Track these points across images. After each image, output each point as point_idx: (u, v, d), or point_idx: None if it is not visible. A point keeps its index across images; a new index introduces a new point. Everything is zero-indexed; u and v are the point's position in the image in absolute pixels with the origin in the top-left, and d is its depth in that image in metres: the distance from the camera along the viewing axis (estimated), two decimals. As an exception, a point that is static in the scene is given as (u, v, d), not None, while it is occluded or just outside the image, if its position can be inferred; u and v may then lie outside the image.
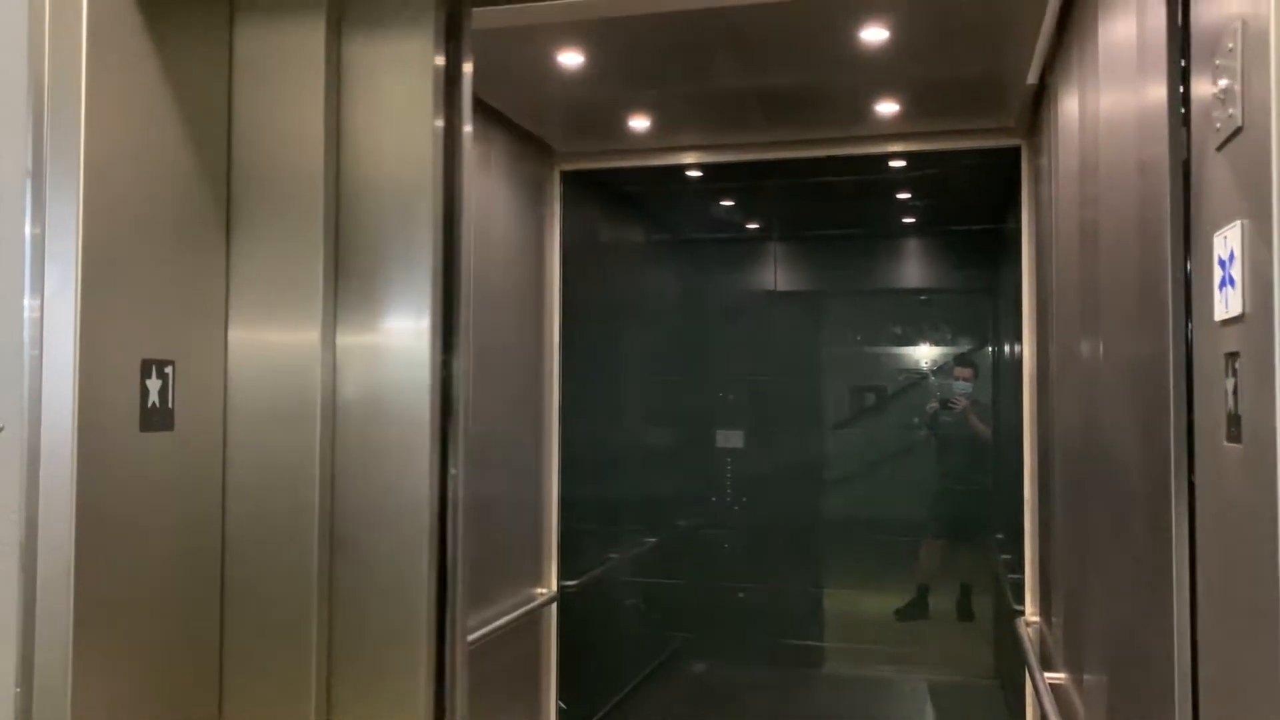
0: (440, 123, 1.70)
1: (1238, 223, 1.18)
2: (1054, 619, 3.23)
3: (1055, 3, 2.81)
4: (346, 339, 1.71)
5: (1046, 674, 3.01)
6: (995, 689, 5.36)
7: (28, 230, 1.39)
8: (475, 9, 1.92)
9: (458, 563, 1.82)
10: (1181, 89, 1.47)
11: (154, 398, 1.47)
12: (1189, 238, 1.47)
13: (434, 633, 1.78)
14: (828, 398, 6.39)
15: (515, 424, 4.22)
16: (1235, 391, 1.20)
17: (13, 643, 1.37)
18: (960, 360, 6.29)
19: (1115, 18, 2.11)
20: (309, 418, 1.68)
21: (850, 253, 6.28)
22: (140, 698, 1.53)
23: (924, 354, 6.47)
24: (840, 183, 5.10)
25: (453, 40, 1.83)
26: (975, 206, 5.47)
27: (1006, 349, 5.68)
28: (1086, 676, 2.54)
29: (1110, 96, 2.17)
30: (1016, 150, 4.07)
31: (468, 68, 1.88)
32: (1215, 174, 1.27)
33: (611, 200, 5.28)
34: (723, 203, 5.84)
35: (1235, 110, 1.17)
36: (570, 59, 3.23)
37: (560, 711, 4.58)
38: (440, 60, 1.76)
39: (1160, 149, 1.57)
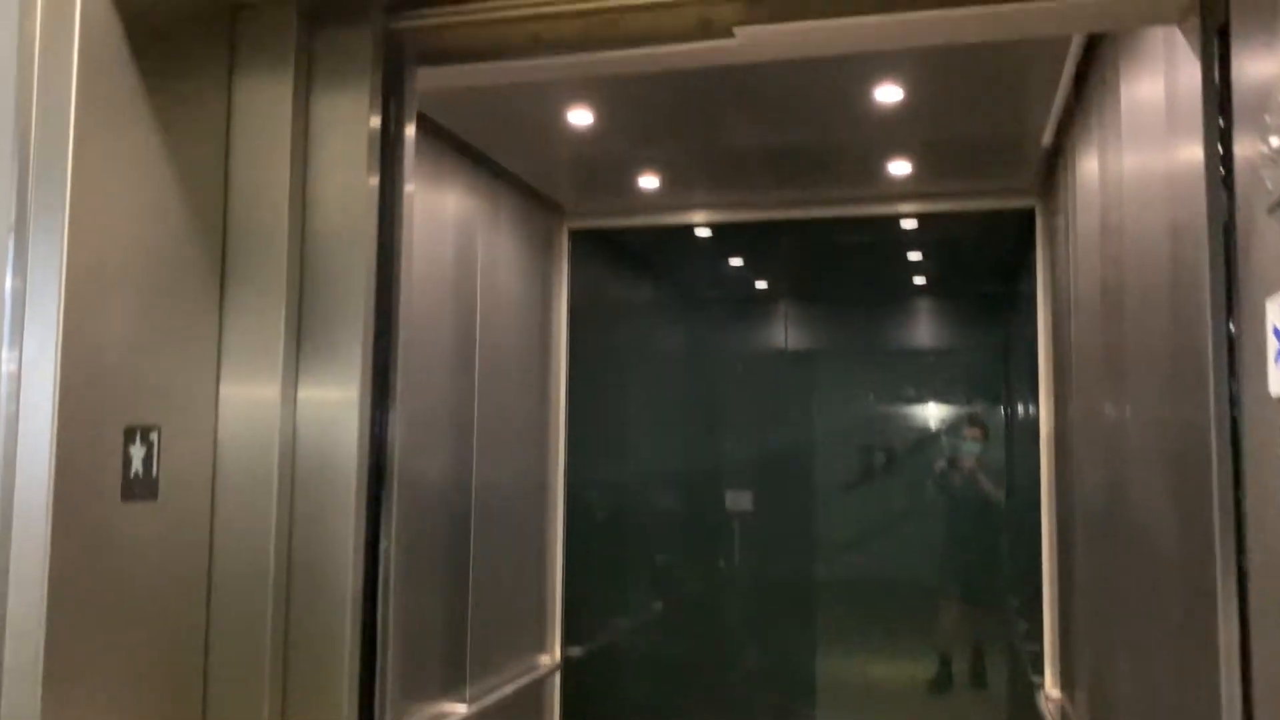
0: (374, 181, 1.64)
1: (1295, 289, 1.10)
2: (1077, 695, 3.09)
3: (1072, 62, 2.77)
4: (303, 397, 1.63)
5: (1073, 755, 2.87)
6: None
7: (9, 283, 1.32)
8: (421, 68, 1.86)
9: (387, 646, 1.69)
10: (1221, 149, 1.41)
11: (137, 466, 1.40)
12: (1232, 303, 1.39)
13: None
14: (839, 458, 6.28)
15: (519, 484, 4.12)
16: (1295, 471, 1.12)
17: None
18: (970, 420, 6.19)
19: (1140, 77, 2.06)
20: (268, 481, 1.59)
21: (861, 312, 6.22)
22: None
23: (935, 414, 6.38)
24: (851, 242, 5.06)
25: (393, 99, 1.78)
26: (987, 267, 5.42)
27: (1020, 409, 5.59)
28: (1118, 761, 2.41)
29: (1135, 157, 2.12)
30: (1030, 211, 4.02)
31: (409, 129, 1.82)
32: (1267, 237, 1.20)
33: (620, 258, 5.24)
34: (732, 261, 5.80)
35: (1289, 170, 1.11)
36: (579, 117, 3.19)
37: (563, 786, 4.41)
38: (375, 120, 1.70)
39: (1197, 211, 1.50)
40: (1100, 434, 2.55)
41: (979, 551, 5.98)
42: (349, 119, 1.67)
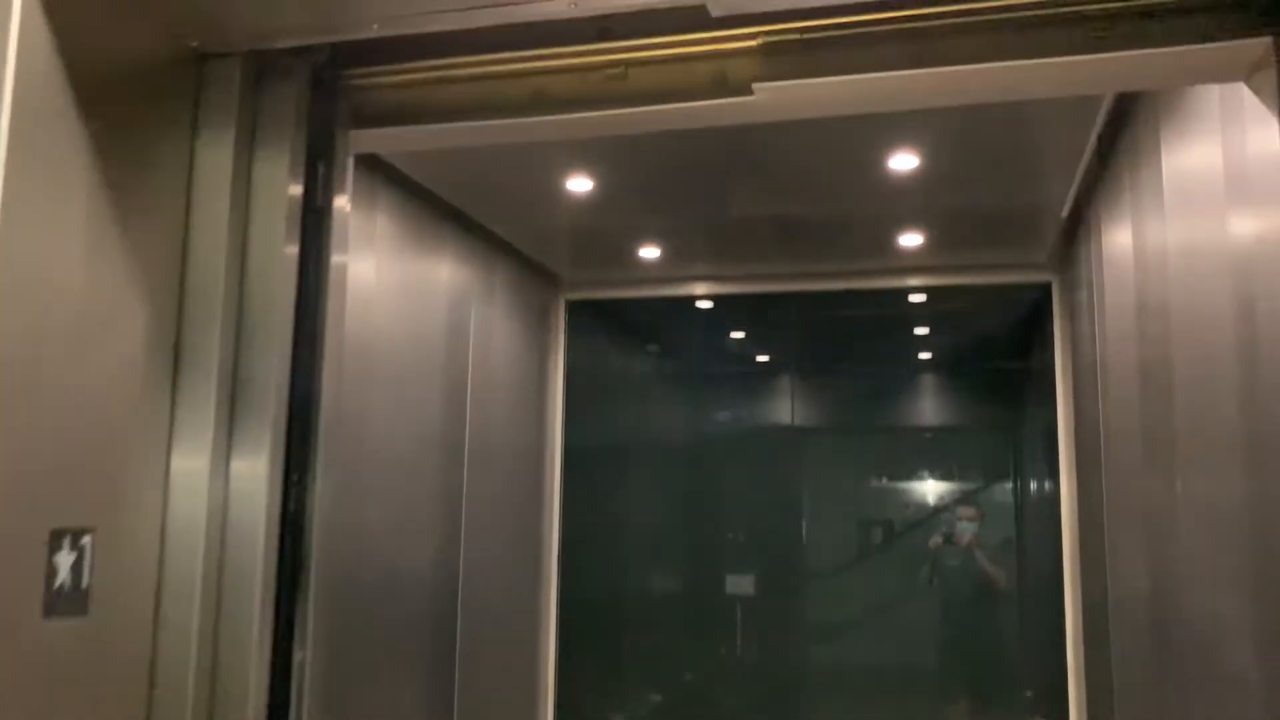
0: (293, 250, 1.47)
1: None
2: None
3: (1097, 130, 2.64)
4: (230, 486, 1.41)
5: None
6: None
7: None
8: (357, 131, 1.67)
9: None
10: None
11: (64, 576, 1.19)
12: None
13: None
14: (844, 539, 6.04)
15: (510, 572, 3.89)
16: None
17: None
18: (964, 500, 5.97)
19: (1187, 145, 1.91)
20: (192, 581, 1.36)
21: (867, 388, 6.04)
22: None
23: (946, 493, 6.15)
24: (857, 317, 4.90)
25: (322, 163, 1.59)
26: (997, 342, 5.26)
27: (1033, 488, 5.38)
28: None
29: (1183, 230, 1.96)
30: (1045, 286, 3.87)
31: (340, 199, 1.63)
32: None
33: (619, 330, 5.07)
34: (734, 335, 5.63)
35: None
36: (578, 184, 3.05)
37: None
38: (296, 188, 1.52)
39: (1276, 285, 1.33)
40: (1142, 519, 2.35)
41: (989, 639, 5.71)
42: (270, 183, 1.50)
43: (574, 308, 4.32)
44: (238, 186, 1.50)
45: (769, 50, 1.49)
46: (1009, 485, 6.11)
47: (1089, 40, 1.47)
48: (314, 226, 1.57)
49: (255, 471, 1.38)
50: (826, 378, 6.01)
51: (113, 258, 1.39)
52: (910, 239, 3.54)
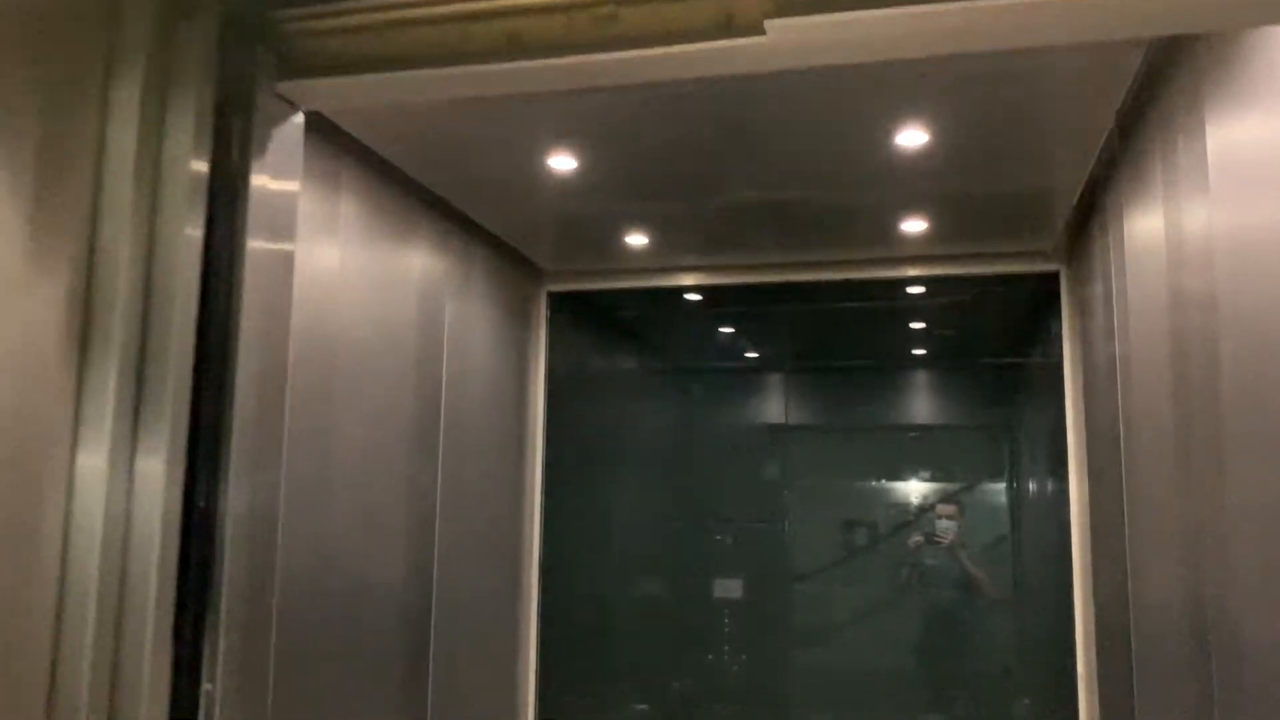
0: (195, 230, 1.24)
1: None
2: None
3: (1120, 105, 2.45)
4: (134, 486, 1.19)
5: None
6: None
7: None
8: (288, 84, 1.41)
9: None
10: None
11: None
12: None
13: None
14: (837, 541, 5.85)
15: (488, 574, 3.67)
16: None
17: None
18: (943, 499, 5.79)
19: (1236, 115, 1.72)
20: (89, 591, 1.14)
21: (860, 385, 5.85)
22: None
23: (937, 493, 5.96)
24: (852, 311, 4.70)
25: (239, 123, 1.34)
26: (997, 338, 5.08)
27: (1031, 488, 5.20)
28: None
29: (1232, 212, 1.76)
30: (1053, 276, 3.67)
31: (258, 176, 1.38)
32: None
33: (604, 324, 4.86)
34: (723, 330, 5.43)
35: None
36: (561, 163, 2.83)
37: None
38: (200, 158, 1.28)
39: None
40: (1176, 522, 2.16)
41: (982, 645, 5.53)
42: (174, 150, 1.28)
43: (556, 300, 4.11)
44: (144, 153, 1.27)
45: (782, -19, 1.28)
46: (1002, 485, 5.94)
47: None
48: (228, 202, 1.34)
49: (153, 471, 1.17)
50: (818, 375, 5.81)
51: (13, 230, 1.17)
52: (913, 225, 3.34)
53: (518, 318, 3.95)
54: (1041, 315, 4.10)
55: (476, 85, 1.38)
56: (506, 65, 1.29)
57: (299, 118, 1.55)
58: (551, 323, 4.11)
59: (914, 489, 6.12)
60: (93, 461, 1.13)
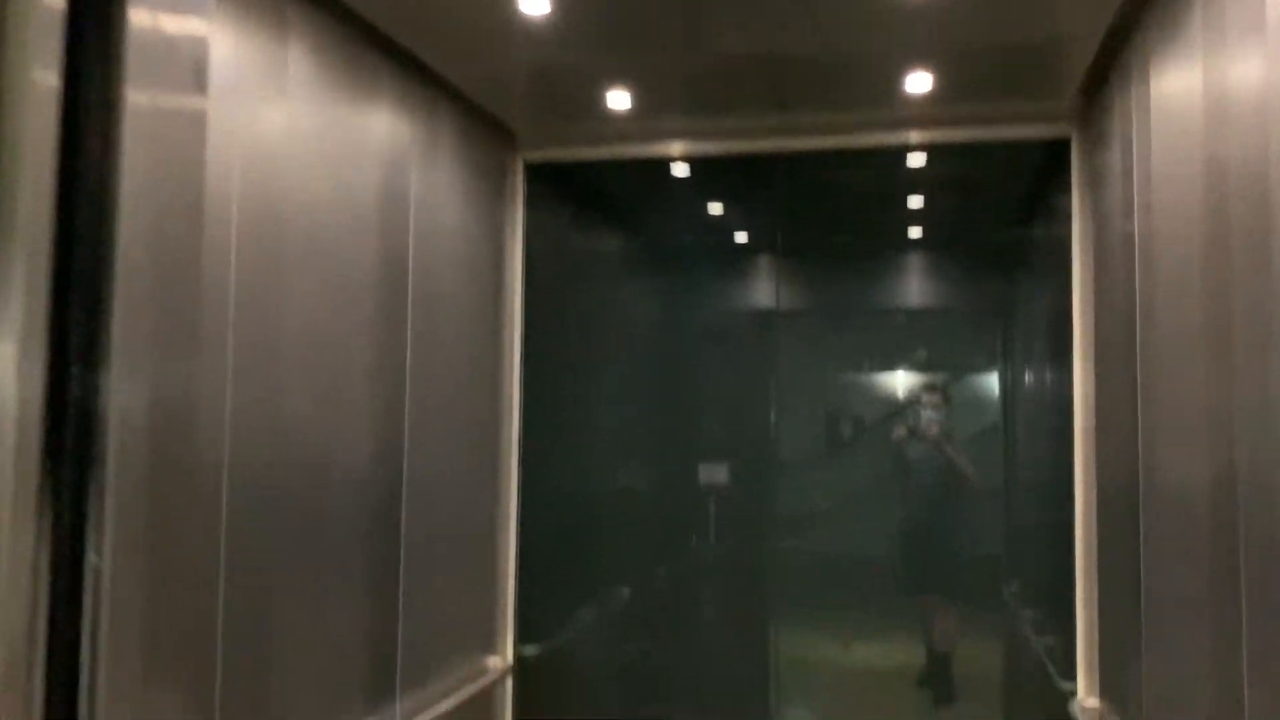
0: (47, 77, 1.00)
1: None
2: (1141, 713, 2.55)
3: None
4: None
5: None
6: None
7: None
8: None
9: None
10: None
11: None
12: None
13: None
14: (825, 427, 5.74)
15: (463, 464, 3.52)
16: None
17: None
18: (927, 387, 5.64)
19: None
20: None
21: (858, 267, 5.64)
22: None
23: (928, 381, 5.82)
24: (847, 186, 4.47)
25: None
26: (998, 214, 4.85)
27: (1028, 374, 5.06)
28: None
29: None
30: (1058, 145, 3.43)
31: (139, 12, 1.11)
32: None
33: (585, 201, 4.61)
34: (712, 208, 5.19)
35: None
36: (533, 6, 2.56)
37: (516, 805, 3.85)
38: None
39: None
40: (1200, 406, 1.99)
41: (967, 533, 5.47)
42: None
43: (533, 172, 3.85)
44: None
45: None
46: (996, 372, 5.80)
47: None
48: (99, 44, 1.09)
49: (5, 354, 0.97)
50: (811, 258, 5.60)
51: None
52: (918, 81, 3.08)
53: (492, 189, 3.70)
54: (1048, 190, 3.87)
55: None
56: None
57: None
58: (529, 199, 3.86)
59: (905, 377, 5.98)
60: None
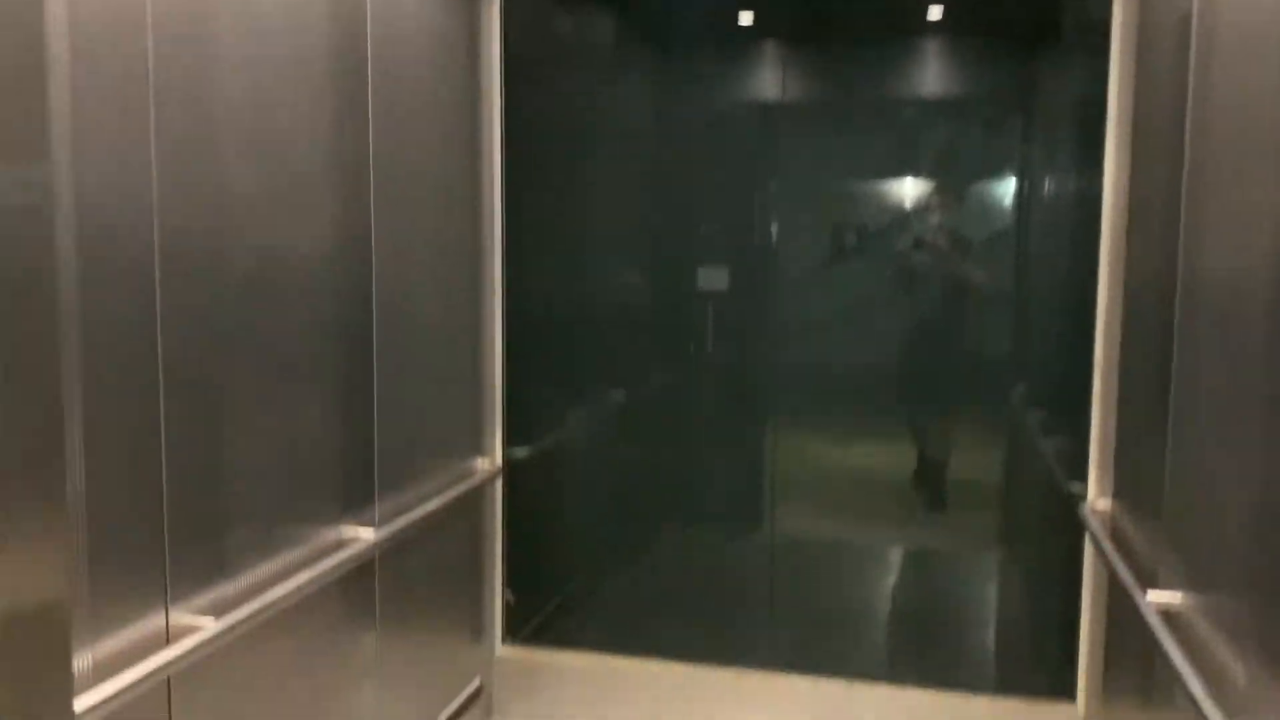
0: None
1: None
2: (1160, 514, 2.41)
3: None
4: None
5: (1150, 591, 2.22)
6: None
7: None
8: None
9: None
10: None
11: None
12: None
13: None
14: (830, 236, 5.45)
15: (440, 263, 3.28)
16: None
17: None
18: (940, 188, 5.31)
19: None
20: None
21: (871, 57, 5.20)
22: None
23: (951, 180, 5.48)
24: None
25: None
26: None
27: (1049, 174, 4.75)
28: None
29: None
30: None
31: None
32: None
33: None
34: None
35: None
36: None
37: (508, 604, 3.84)
38: None
39: None
40: (1263, 202, 1.74)
41: (972, 338, 5.29)
42: None
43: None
44: None
45: None
46: (1014, 169, 5.46)
47: None
48: None
49: None
50: (821, 45, 5.15)
51: None
52: None
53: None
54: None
55: None
56: None
57: None
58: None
59: (915, 177, 5.64)
60: None
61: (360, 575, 2.78)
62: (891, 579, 5.13)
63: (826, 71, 5.33)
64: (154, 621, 1.96)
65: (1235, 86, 1.97)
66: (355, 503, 2.75)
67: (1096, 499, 3.06)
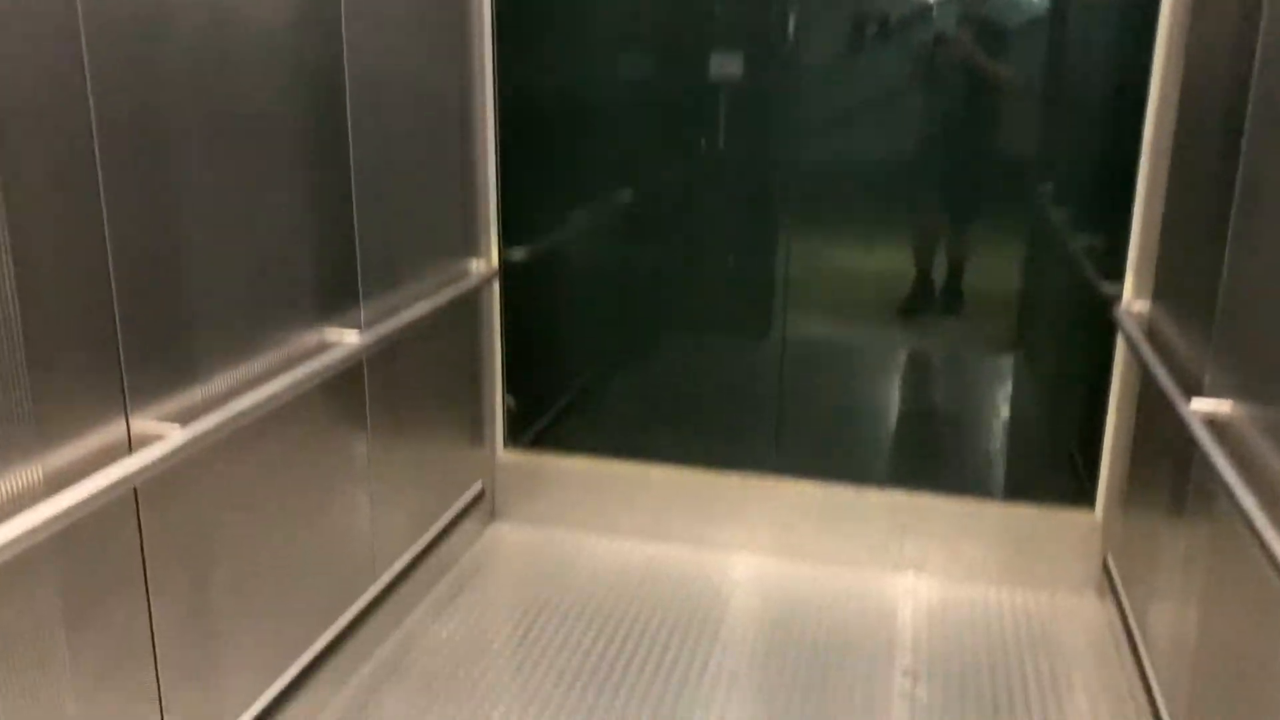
0: None
1: None
2: (1212, 318, 2.21)
3: None
4: None
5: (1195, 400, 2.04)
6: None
7: None
8: None
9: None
10: None
11: None
12: None
13: None
14: (848, 30, 4.99)
15: (421, 51, 2.96)
16: None
17: None
18: None
19: None
20: None
21: None
22: None
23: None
24: None
25: None
26: None
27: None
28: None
29: None
30: None
31: None
32: None
33: None
34: None
35: None
36: None
37: (509, 409, 3.73)
38: None
39: None
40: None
41: (996, 137, 4.92)
42: None
43: None
44: None
45: None
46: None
47: None
48: None
49: None
50: None
51: None
52: None
53: None
54: None
55: None
56: None
57: None
58: None
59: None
60: None
61: (348, 380, 2.63)
62: (905, 384, 5.00)
63: None
64: (113, 430, 1.81)
65: None
66: (338, 305, 2.57)
67: (1133, 300, 2.86)
